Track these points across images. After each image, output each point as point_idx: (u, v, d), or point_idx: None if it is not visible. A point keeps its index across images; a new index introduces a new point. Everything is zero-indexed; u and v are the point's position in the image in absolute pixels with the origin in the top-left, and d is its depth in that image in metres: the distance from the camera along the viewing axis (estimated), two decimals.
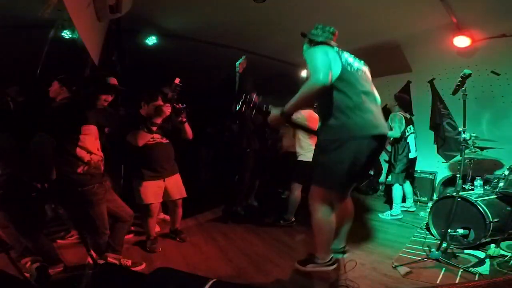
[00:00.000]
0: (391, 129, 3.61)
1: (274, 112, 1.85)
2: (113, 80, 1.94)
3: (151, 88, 2.67)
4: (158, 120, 2.38)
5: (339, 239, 2.09)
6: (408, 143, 3.65)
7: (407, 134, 3.63)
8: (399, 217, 3.52)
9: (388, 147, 3.85)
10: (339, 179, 1.75)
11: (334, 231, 1.88)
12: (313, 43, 1.96)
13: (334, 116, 1.73)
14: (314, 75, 1.62)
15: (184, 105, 2.50)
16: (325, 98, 1.75)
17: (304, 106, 1.86)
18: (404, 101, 3.78)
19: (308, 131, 2.48)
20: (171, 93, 2.41)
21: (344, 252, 2.14)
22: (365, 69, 1.95)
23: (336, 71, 1.70)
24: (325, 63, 1.66)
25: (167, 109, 2.38)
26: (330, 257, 1.92)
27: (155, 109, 2.43)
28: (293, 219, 3.29)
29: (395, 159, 3.65)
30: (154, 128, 2.40)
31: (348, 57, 1.83)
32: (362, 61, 1.98)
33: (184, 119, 2.56)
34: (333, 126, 1.73)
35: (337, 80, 1.70)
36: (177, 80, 2.42)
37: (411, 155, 3.67)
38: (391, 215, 3.57)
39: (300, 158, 3.22)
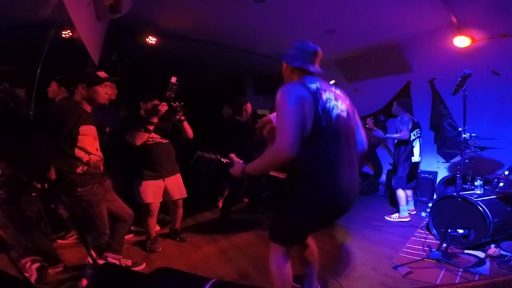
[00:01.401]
0: (396, 131, 3.56)
1: (237, 164, 1.66)
2: (102, 74, 1.94)
3: (150, 88, 2.67)
4: (155, 119, 2.38)
5: (311, 279, 1.96)
6: (413, 146, 3.58)
7: (413, 137, 3.56)
8: (407, 220, 3.46)
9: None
10: (294, 237, 1.69)
11: (290, 281, 1.74)
12: (289, 67, 1.64)
13: (301, 177, 1.47)
14: (281, 138, 1.35)
15: (182, 103, 2.50)
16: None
17: (268, 171, 1.62)
18: (407, 104, 3.71)
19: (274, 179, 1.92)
20: (168, 92, 2.40)
21: None
22: (349, 112, 1.60)
23: (309, 124, 1.41)
24: (297, 121, 1.37)
25: (163, 108, 2.38)
26: None
27: (152, 108, 2.43)
28: None
29: (397, 162, 3.61)
30: (151, 127, 2.40)
31: (328, 99, 1.49)
32: (347, 102, 1.62)
33: (183, 118, 2.56)
34: (298, 189, 1.49)
35: (309, 135, 1.41)
36: (173, 79, 2.41)
37: (413, 159, 3.59)
38: (400, 217, 3.51)
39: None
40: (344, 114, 1.56)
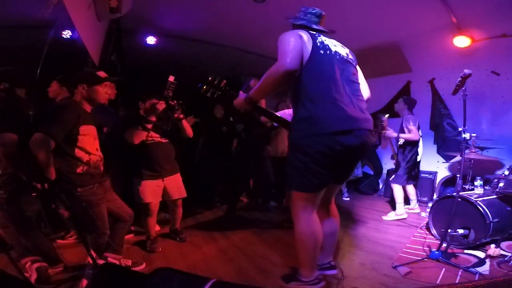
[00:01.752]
0: (402, 131, 3.53)
1: (240, 95, 1.73)
2: (102, 73, 1.95)
3: (149, 87, 2.67)
4: (153, 118, 2.38)
5: (324, 253, 1.86)
6: (418, 146, 3.58)
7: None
8: (404, 217, 3.48)
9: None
10: (312, 180, 1.55)
11: (319, 245, 1.65)
12: (294, 27, 1.79)
13: (303, 104, 1.54)
14: (280, 59, 1.49)
15: (180, 101, 2.50)
16: (294, 85, 1.57)
17: (270, 92, 1.62)
18: (413, 103, 3.69)
19: (280, 121, 2.04)
20: (166, 90, 2.41)
21: (331, 268, 1.91)
22: (350, 58, 1.74)
23: (307, 54, 1.54)
24: (295, 46, 1.50)
25: (160, 106, 2.39)
26: (315, 274, 1.68)
27: (149, 106, 2.44)
28: None
29: (402, 161, 3.58)
30: (149, 126, 2.40)
31: (328, 42, 1.65)
32: (348, 51, 1.77)
33: (181, 116, 2.57)
34: (302, 118, 1.54)
35: (307, 64, 1.53)
36: (171, 78, 2.42)
37: (418, 158, 3.61)
38: (396, 214, 3.52)
39: None
40: (345, 56, 1.68)
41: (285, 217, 3.29)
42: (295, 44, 1.52)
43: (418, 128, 3.61)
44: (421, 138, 3.66)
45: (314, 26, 1.73)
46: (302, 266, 1.68)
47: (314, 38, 1.60)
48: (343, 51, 1.72)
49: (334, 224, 1.88)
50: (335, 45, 1.69)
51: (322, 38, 1.65)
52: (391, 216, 3.56)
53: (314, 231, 1.61)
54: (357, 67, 1.83)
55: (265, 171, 3.75)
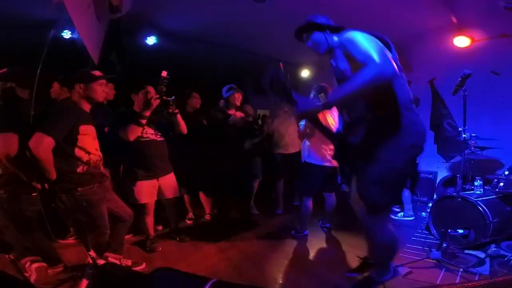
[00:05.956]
0: None
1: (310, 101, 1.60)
2: (97, 72, 1.95)
3: (139, 80, 2.63)
4: (147, 113, 2.36)
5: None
6: None
7: None
8: (411, 218, 3.53)
9: None
10: (393, 190, 1.53)
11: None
12: (333, 30, 1.68)
13: (398, 112, 1.41)
14: (376, 62, 1.26)
15: (173, 97, 2.47)
16: (378, 92, 1.40)
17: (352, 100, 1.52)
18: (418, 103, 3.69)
19: (329, 135, 2.08)
20: (159, 86, 2.39)
21: None
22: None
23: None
24: (379, 47, 1.35)
25: (155, 102, 2.36)
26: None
27: (144, 102, 2.40)
28: (306, 233, 2.95)
29: None
30: (143, 121, 2.36)
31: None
32: None
33: (176, 111, 2.54)
34: (394, 131, 1.43)
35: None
36: (164, 73, 2.39)
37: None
38: (404, 216, 3.57)
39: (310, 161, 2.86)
40: None
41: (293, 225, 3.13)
42: (377, 43, 1.39)
43: None
44: None
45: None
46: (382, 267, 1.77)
47: (389, 48, 1.49)
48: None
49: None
50: None
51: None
52: (400, 216, 3.59)
53: (393, 237, 1.67)
54: None
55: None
